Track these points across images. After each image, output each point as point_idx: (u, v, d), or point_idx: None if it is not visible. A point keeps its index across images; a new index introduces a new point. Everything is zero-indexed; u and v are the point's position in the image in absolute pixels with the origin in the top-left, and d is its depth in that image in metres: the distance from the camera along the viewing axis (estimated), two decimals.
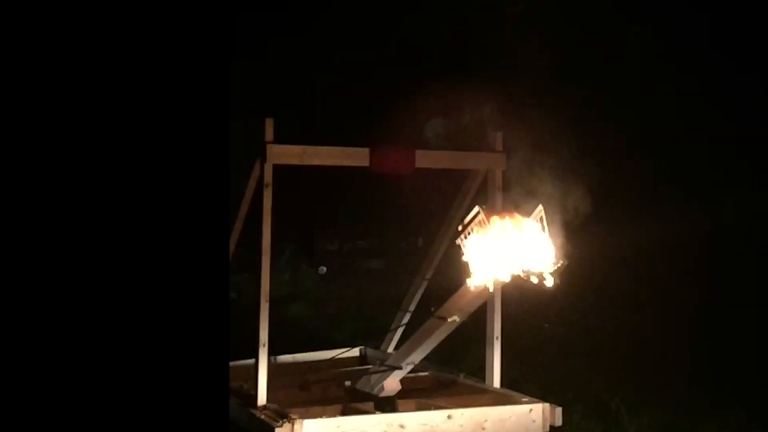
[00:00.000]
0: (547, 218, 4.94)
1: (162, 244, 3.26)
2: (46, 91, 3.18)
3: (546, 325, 6.76)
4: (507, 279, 4.98)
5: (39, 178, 3.17)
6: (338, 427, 5.24)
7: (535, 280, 4.89)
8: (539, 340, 8.24)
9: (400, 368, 5.65)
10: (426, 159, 5.93)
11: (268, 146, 5.53)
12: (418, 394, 6.04)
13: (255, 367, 5.52)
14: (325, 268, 11.24)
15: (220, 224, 3.36)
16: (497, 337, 6.16)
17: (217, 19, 3.36)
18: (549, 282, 4.88)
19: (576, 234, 5.00)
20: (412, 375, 6.45)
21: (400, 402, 5.80)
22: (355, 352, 6.92)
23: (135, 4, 3.27)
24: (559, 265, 4.85)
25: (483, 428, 5.49)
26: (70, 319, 3.16)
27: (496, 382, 6.15)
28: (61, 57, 3.19)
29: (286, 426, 5.14)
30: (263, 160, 5.53)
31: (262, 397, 5.51)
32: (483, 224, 4.98)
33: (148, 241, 3.25)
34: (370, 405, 5.73)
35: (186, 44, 3.31)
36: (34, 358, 3.14)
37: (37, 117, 3.17)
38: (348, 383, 6.02)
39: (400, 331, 6.67)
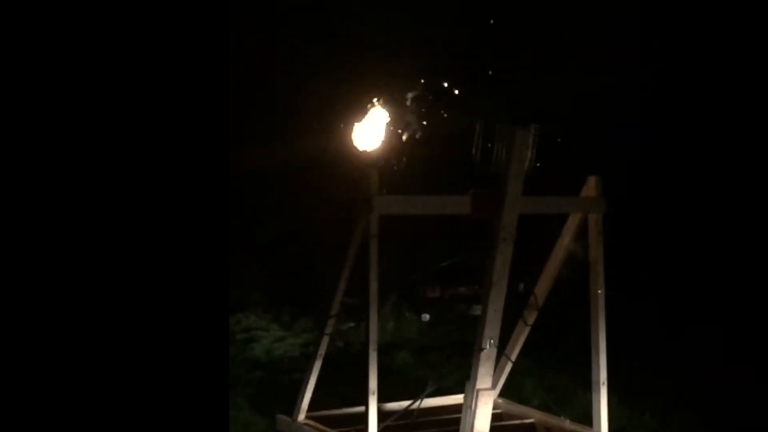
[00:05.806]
0: None
1: (162, 251, 3.21)
2: (46, 90, 3.13)
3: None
4: None
5: (39, 182, 3.11)
6: None
7: None
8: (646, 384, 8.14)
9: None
10: (526, 204, 5.98)
11: (374, 197, 5.66)
12: None
13: (365, 415, 5.61)
14: (428, 316, 11.30)
15: (219, 232, 3.29)
16: (603, 383, 6.13)
17: (217, 23, 3.31)
18: None
19: None
20: (518, 422, 6.46)
21: None
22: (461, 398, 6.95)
23: (136, 5, 3.23)
24: None
25: None
26: (70, 327, 3.12)
27: (604, 429, 6.12)
28: (66, 74, 3.13)
29: None
30: (369, 211, 5.65)
31: None
32: None
33: (146, 248, 3.20)
34: None
35: (186, 46, 3.27)
36: (33, 370, 3.08)
37: (37, 117, 3.12)
38: None
39: (504, 375, 6.70)
